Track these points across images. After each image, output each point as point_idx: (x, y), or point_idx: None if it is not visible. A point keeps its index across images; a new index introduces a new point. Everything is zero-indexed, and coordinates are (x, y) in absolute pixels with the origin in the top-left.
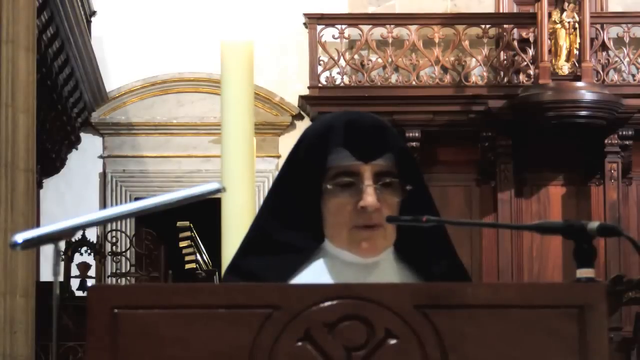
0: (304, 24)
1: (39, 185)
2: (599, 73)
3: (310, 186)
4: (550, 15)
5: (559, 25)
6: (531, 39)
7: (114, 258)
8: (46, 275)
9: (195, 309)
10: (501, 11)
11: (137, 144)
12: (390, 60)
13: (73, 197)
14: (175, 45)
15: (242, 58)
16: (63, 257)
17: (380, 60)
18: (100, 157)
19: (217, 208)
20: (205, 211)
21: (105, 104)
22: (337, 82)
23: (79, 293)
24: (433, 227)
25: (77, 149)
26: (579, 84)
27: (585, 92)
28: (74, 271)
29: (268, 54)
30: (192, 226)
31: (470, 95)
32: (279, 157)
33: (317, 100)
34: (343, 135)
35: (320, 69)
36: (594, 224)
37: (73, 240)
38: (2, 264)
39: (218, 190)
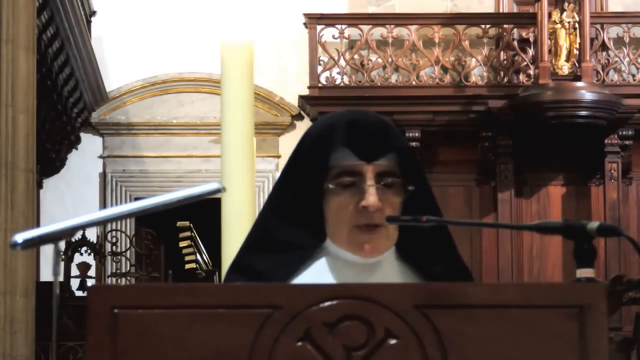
0: (304, 24)
1: (39, 185)
2: (599, 73)
3: (313, 185)
4: (550, 15)
5: (559, 25)
6: (531, 39)
7: (114, 258)
8: (46, 275)
9: (195, 309)
10: (501, 11)
11: (137, 144)
12: (390, 60)
13: (73, 197)
14: (175, 45)
15: (242, 58)
16: (63, 257)
17: (380, 60)
18: (100, 157)
19: (217, 208)
20: (205, 211)
21: (105, 104)
22: (337, 82)
23: (79, 293)
24: (435, 227)
25: (77, 149)
26: (579, 84)
27: (585, 92)
28: (74, 271)
29: (268, 54)
30: (192, 226)
31: (470, 95)
32: (279, 157)
33: (317, 100)
34: (346, 135)
35: (320, 69)
36: (593, 224)
37: (73, 240)
38: (2, 264)
39: (218, 190)
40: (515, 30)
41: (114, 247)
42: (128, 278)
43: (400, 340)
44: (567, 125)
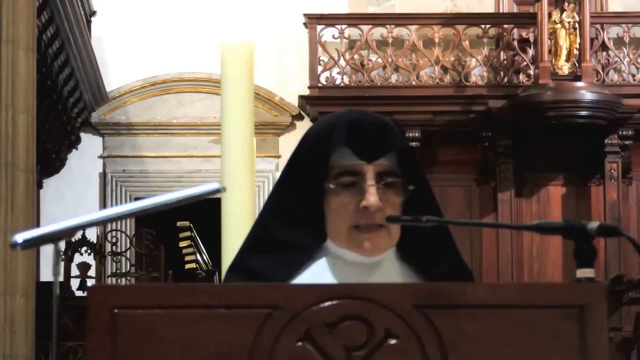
0: (304, 24)
1: (39, 185)
2: (599, 73)
3: (313, 185)
4: (550, 15)
5: (559, 25)
6: (531, 39)
7: (114, 258)
8: (46, 275)
9: (195, 309)
10: (501, 11)
11: (137, 144)
12: (390, 60)
13: (73, 197)
14: (175, 45)
15: (242, 58)
16: (63, 257)
17: (380, 60)
18: (100, 157)
19: (217, 208)
20: (205, 211)
21: (105, 104)
22: (337, 82)
23: (79, 293)
24: (435, 227)
25: (77, 149)
26: (579, 84)
27: (585, 92)
28: (74, 271)
29: (268, 54)
30: (192, 226)
31: (470, 95)
32: (279, 157)
33: (317, 100)
34: (346, 135)
35: (320, 69)
36: (593, 224)
37: (73, 240)
38: (2, 264)
39: (218, 190)
40: (515, 30)
41: (114, 247)
42: (128, 278)
43: (400, 340)
44: (567, 125)
